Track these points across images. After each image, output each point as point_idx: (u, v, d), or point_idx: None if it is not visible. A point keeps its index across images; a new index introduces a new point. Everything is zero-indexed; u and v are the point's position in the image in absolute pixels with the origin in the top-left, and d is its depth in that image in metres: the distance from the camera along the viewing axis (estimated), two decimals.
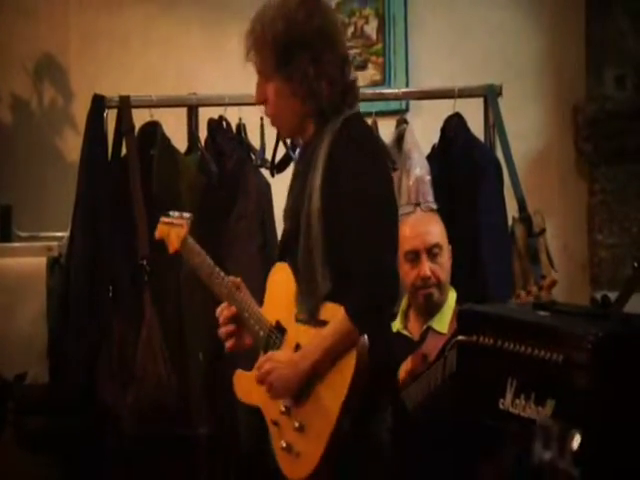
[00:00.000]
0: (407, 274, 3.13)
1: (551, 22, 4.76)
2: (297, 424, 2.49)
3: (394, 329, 3.19)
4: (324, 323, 2.45)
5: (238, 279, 2.77)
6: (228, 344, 2.73)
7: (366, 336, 2.39)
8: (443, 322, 3.12)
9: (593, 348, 1.93)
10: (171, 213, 2.97)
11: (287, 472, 2.53)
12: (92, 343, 3.84)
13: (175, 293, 3.80)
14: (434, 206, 3.23)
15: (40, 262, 4.10)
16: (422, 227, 3.14)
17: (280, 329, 2.60)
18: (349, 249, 2.41)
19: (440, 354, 2.94)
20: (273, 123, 2.68)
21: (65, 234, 4.05)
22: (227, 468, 3.85)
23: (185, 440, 3.77)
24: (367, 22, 4.87)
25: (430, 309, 3.14)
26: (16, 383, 3.99)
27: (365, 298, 2.39)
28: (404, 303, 3.24)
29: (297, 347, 2.52)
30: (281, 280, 2.64)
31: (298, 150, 2.69)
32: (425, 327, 3.13)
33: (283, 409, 2.54)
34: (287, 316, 2.58)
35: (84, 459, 3.82)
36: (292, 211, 2.62)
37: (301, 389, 2.47)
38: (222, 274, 2.77)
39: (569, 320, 2.15)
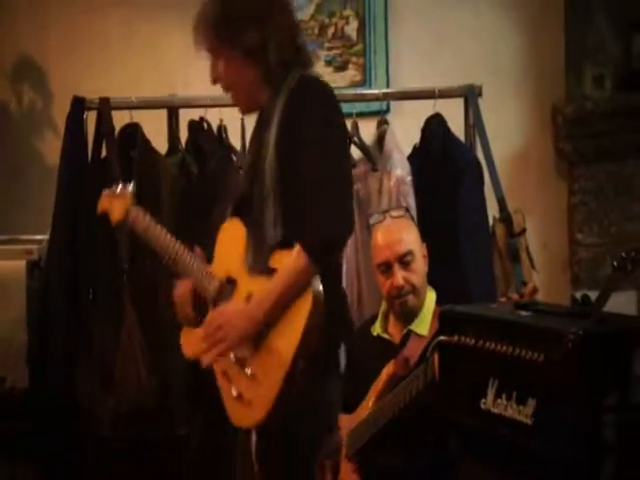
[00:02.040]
0: (382, 285, 3.13)
1: (531, 23, 4.77)
2: (249, 372, 2.47)
3: (374, 333, 3.19)
4: (275, 271, 2.45)
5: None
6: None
7: (319, 282, 2.39)
8: (423, 324, 3.11)
9: (573, 347, 1.94)
10: (114, 186, 2.97)
11: (236, 421, 2.53)
12: (72, 347, 3.83)
13: (155, 294, 3.79)
14: (402, 212, 3.21)
15: (19, 265, 4.08)
16: (392, 236, 3.12)
17: (230, 281, 2.60)
18: (303, 189, 2.42)
19: (422, 357, 2.94)
20: (232, 99, 2.70)
21: (45, 237, 4.03)
22: (206, 469, 3.84)
23: (166, 442, 3.76)
24: (347, 23, 4.87)
25: (408, 315, 3.14)
26: None
27: (320, 232, 2.39)
28: (384, 306, 3.24)
29: (249, 297, 2.50)
30: (231, 235, 2.65)
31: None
32: (406, 330, 3.12)
33: (234, 359, 2.52)
34: (238, 269, 2.57)
35: (64, 463, 3.81)
36: (247, 173, 2.65)
37: (255, 337, 2.46)
38: (169, 236, 2.77)
39: (550, 319, 2.16)
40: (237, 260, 2.58)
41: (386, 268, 3.11)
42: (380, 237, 3.13)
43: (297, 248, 2.39)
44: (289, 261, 2.41)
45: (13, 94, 5.07)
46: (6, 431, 3.91)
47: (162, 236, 2.78)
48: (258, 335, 2.45)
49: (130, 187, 2.92)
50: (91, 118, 4.02)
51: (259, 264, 2.52)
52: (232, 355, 2.53)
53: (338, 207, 2.41)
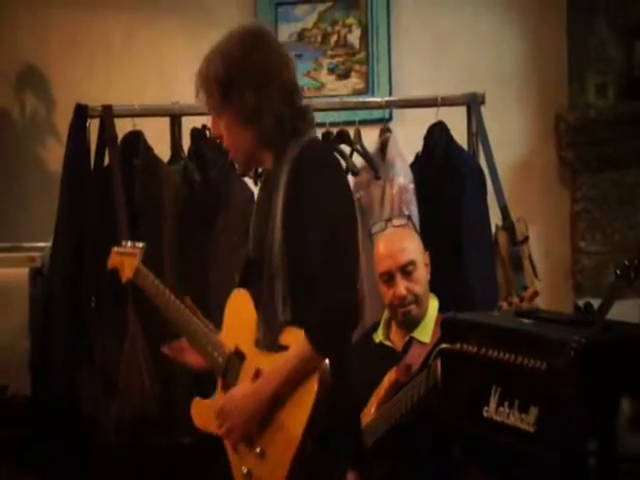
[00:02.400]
0: (385, 294, 3.13)
1: (533, 31, 4.77)
2: (258, 450, 2.48)
3: (376, 340, 3.19)
4: (285, 348, 2.45)
5: (188, 300, 2.81)
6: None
7: (327, 361, 2.38)
8: (426, 332, 3.11)
9: (576, 355, 1.93)
10: (123, 243, 3.04)
11: None
12: (75, 354, 3.82)
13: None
14: (403, 221, 3.21)
15: (22, 273, 4.08)
16: (394, 245, 3.13)
17: (239, 355, 2.60)
18: (310, 271, 2.40)
19: (424, 364, 2.94)
20: (232, 157, 2.73)
21: (47, 244, 4.03)
22: (211, 478, 3.83)
23: (169, 450, 3.76)
24: (350, 31, 4.87)
25: (410, 323, 3.14)
26: None
27: (325, 321, 2.38)
28: (386, 314, 3.24)
29: (257, 373, 2.50)
30: (240, 306, 2.63)
31: (259, 181, 2.71)
32: (408, 338, 3.12)
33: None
34: (246, 342, 2.57)
35: (67, 471, 3.80)
36: (255, 240, 2.63)
37: (264, 416, 2.47)
38: (177, 302, 2.80)
39: (552, 327, 2.16)
40: (246, 334, 2.58)
41: (388, 278, 3.11)
42: (382, 247, 3.13)
43: (302, 336, 2.38)
44: (296, 347, 2.40)
45: (16, 101, 5.08)
46: (8, 439, 3.90)
47: (170, 301, 2.82)
48: (266, 413, 2.46)
49: (140, 246, 2.97)
50: (94, 126, 4.02)
51: (268, 339, 2.51)
52: None
53: (340, 296, 2.37)
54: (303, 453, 2.39)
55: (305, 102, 2.64)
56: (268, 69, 2.56)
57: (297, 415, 2.39)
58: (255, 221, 2.66)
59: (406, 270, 3.09)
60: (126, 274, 2.95)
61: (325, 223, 2.42)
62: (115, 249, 3.04)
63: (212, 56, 2.63)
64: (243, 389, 2.51)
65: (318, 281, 2.37)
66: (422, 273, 3.14)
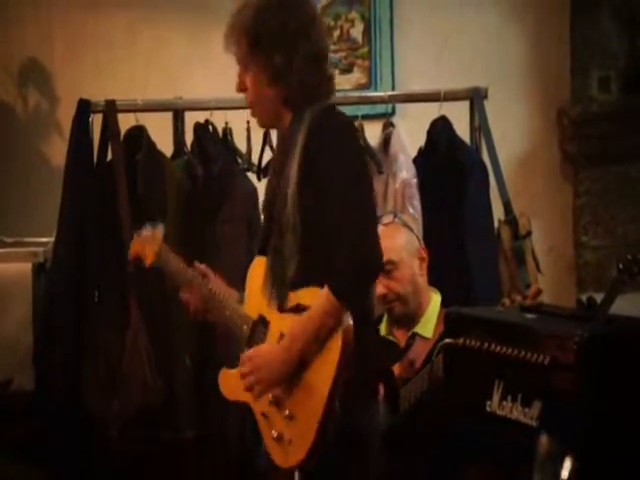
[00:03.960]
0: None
1: (536, 24, 4.77)
2: (287, 412, 2.47)
3: (380, 334, 3.19)
4: (307, 308, 2.44)
5: (203, 266, 2.79)
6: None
7: (350, 318, 2.38)
8: (428, 327, 3.11)
9: (579, 349, 1.94)
10: (143, 229, 2.99)
11: (279, 461, 2.52)
12: (78, 349, 3.83)
13: (161, 297, 3.79)
14: (390, 218, 3.20)
15: (25, 268, 4.09)
16: None
17: (263, 322, 2.60)
18: (329, 229, 2.41)
19: (427, 359, 2.94)
20: (252, 113, 2.70)
21: (51, 240, 4.03)
22: (215, 472, 3.84)
23: (172, 444, 3.76)
24: (353, 25, 4.87)
25: (402, 320, 3.14)
26: (1, 390, 3.98)
27: (348, 271, 2.37)
28: None
29: (281, 336, 2.50)
30: (260, 273, 2.63)
31: (275, 142, 2.70)
32: (410, 333, 3.12)
33: (272, 399, 2.52)
34: (269, 307, 2.57)
35: (71, 465, 3.81)
36: (270, 203, 2.63)
37: (290, 377, 2.47)
38: (199, 278, 2.78)
39: (555, 322, 2.16)
40: (267, 299, 2.58)
41: None
42: None
43: (325, 290, 2.37)
44: (318, 303, 2.40)
45: (19, 97, 5.08)
46: (12, 433, 3.91)
47: (194, 278, 2.79)
48: (293, 375, 2.45)
49: (160, 228, 2.94)
50: (97, 121, 4.02)
51: (285, 299, 2.52)
52: (269, 396, 2.53)
53: (364, 247, 2.38)
54: (331, 412, 2.38)
55: (330, 69, 2.65)
56: (300, 31, 2.56)
57: (323, 375, 2.39)
58: (270, 180, 2.66)
59: (385, 269, 3.09)
60: (149, 261, 2.92)
61: (343, 178, 2.42)
62: (135, 236, 3.00)
63: (246, 7, 2.62)
64: (270, 347, 2.51)
65: (339, 234, 2.37)
66: (406, 271, 3.12)
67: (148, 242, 2.94)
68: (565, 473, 1.76)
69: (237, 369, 2.59)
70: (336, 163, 2.44)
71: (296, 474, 2.56)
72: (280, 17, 2.56)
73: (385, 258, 3.05)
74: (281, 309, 2.53)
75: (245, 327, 2.64)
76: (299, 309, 2.47)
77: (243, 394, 2.59)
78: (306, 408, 2.43)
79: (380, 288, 3.07)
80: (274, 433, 2.51)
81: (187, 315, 2.84)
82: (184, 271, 2.82)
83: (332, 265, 2.38)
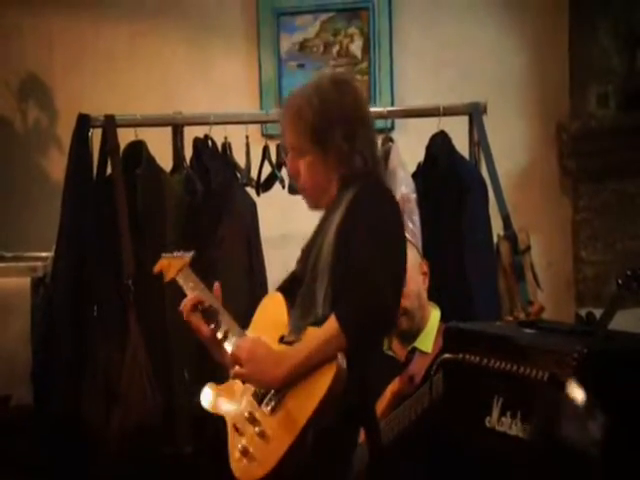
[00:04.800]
0: None
1: (535, 40, 4.78)
2: (258, 429, 2.48)
3: None
4: None
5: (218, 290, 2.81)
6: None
7: (344, 358, 2.37)
8: (427, 342, 3.11)
9: (578, 365, 1.93)
10: (175, 252, 3.04)
11: (237, 473, 2.52)
12: (77, 364, 3.82)
13: (160, 312, 3.79)
14: None
15: (24, 282, 4.09)
16: None
17: None
18: (352, 274, 2.41)
19: (427, 374, 2.93)
20: (302, 193, 2.74)
21: (50, 254, 4.03)
22: None
23: (171, 459, 3.76)
24: (352, 41, 4.88)
25: (404, 335, 3.14)
26: (0, 405, 3.97)
27: (356, 307, 2.37)
28: None
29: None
30: (270, 307, 2.66)
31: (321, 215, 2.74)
32: (410, 348, 3.12)
33: (247, 415, 2.53)
34: (270, 339, 2.57)
35: None
36: (304, 255, 2.65)
37: (272, 393, 2.47)
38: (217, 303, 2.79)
39: (554, 337, 2.16)
40: (272, 332, 2.59)
41: None
42: None
43: (332, 316, 2.39)
44: (325, 325, 2.41)
45: (18, 111, 5.09)
46: (11, 448, 3.90)
47: (214, 302, 2.80)
48: (276, 393, 2.46)
49: (189, 255, 2.98)
50: (96, 135, 4.02)
51: (295, 334, 2.52)
52: (246, 412, 2.54)
53: (380, 287, 2.38)
54: (301, 444, 2.38)
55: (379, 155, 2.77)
56: (359, 113, 2.66)
57: (304, 404, 2.38)
58: (309, 240, 2.68)
59: None
60: (170, 275, 2.96)
61: (374, 230, 2.46)
62: (163, 255, 3.05)
63: (307, 94, 2.66)
64: (270, 348, 2.51)
65: (359, 278, 2.39)
66: (412, 286, 3.13)
67: (175, 260, 2.98)
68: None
69: (223, 384, 2.64)
70: (370, 219, 2.49)
71: None
72: (344, 102, 2.63)
73: None
74: (283, 341, 2.54)
75: None
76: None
77: (222, 407, 2.64)
78: (279, 432, 2.43)
79: None
80: (240, 446, 2.52)
81: (195, 334, 2.83)
82: (205, 293, 2.83)
83: (346, 304, 2.39)
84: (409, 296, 3.11)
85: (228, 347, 2.67)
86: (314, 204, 2.72)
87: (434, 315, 3.18)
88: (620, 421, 1.95)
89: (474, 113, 3.97)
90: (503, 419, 2.13)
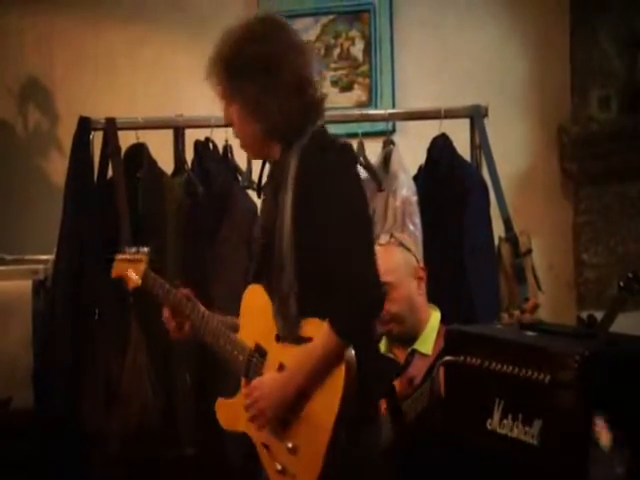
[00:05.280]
0: None
1: (536, 43, 4.78)
2: (290, 445, 2.46)
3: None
4: (307, 339, 2.44)
5: (187, 291, 2.80)
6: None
7: (352, 350, 2.36)
8: (427, 344, 3.11)
9: (579, 367, 1.93)
10: (126, 249, 2.98)
11: None
12: (77, 366, 3.82)
13: (161, 315, 3.78)
14: (386, 238, 3.19)
15: (25, 285, 4.08)
16: None
17: (260, 351, 2.58)
18: (327, 263, 2.37)
19: (426, 376, 2.93)
20: (241, 146, 2.70)
21: (51, 257, 4.03)
22: None
23: (172, 462, 3.75)
24: (353, 44, 4.88)
25: (401, 339, 3.13)
26: (0, 408, 3.97)
27: (350, 310, 2.35)
28: None
29: (280, 367, 2.49)
30: (256, 302, 2.62)
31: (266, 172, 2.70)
32: (410, 350, 3.12)
33: (272, 431, 2.51)
34: (266, 337, 2.56)
35: None
36: (264, 232, 2.61)
37: (291, 408, 2.45)
38: (190, 303, 2.77)
39: (555, 340, 2.15)
40: (265, 329, 2.56)
41: None
42: None
43: (327, 327, 2.36)
44: (319, 338, 2.38)
45: (19, 114, 5.09)
46: (11, 452, 3.90)
47: (182, 304, 2.78)
48: (294, 407, 2.44)
49: (145, 250, 2.92)
50: (97, 138, 4.02)
51: (287, 331, 2.50)
52: (270, 428, 2.52)
53: (365, 279, 2.35)
54: (336, 444, 2.37)
55: (319, 93, 2.57)
56: (273, 61, 2.51)
57: (327, 407, 2.37)
58: (263, 213, 2.65)
59: None
60: (133, 281, 2.91)
61: (338, 216, 2.39)
62: (118, 257, 2.98)
63: (223, 39, 2.59)
64: (271, 377, 2.50)
65: (339, 273, 2.34)
66: (402, 293, 3.11)
67: (132, 264, 2.92)
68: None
69: (234, 398, 2.61)
70: (330, 200, 2.41)
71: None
72: (256, 47, 2.52)
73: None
74: (280, 339, 2.52)
75: (241, 357, 2.62)
76: (300, 340, 2.46)
77: (241, 424, 2.59)
78: (310, 441, 2.42)
79: None
80: (278, 466, 2.50)
81: (171, 334, 2.83)
82: (173, 296, 2.81)
83: (333, 302, 2.36)
84: (398, 301, 3.10)
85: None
86: (252, 156, 2.72)
87: (434, 317, 3.17)
88: (620, 423, 1.95)
89: (475, 116, 3.97)
90: (504, 421, 2.12)
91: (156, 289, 2.85)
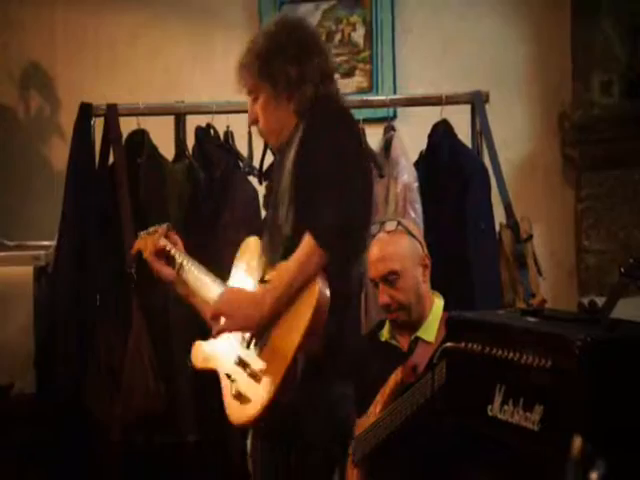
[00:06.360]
0: (377, 298, 3.15)
1: (537, 28, 4.77)
2: (248, 371, 2.51)
3: (382, 338, 3.19)
4: None
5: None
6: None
7: (324, 281, 2.40)
8: (430, 331, 3.11)
9: (581, 353, 1.93)
10: (150, 229, 3.02)
11: (233, 418, 2.55)
12: (79, 352, 3.83)
13: (163, 300, 3.79)
14: (394, 225, 3.19)
15: (27, 271, 4.09)
16: (379, 254, 3.11)
17: None
18: (316, 186, 2.44)
19: (429, 363, 2.93)
20: (263, 136, 2.77)
21: (52, 243, 4.04)
22: (216, 476, 3.84)
23: (174, 448, 3.76)
24: (354, 29, 4.87)
25: (406, 327, 3.14)
26: (2, 394, 3.97)
27: (327, 216, 2.39)
28: None
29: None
30: (247, 252, 2.73)
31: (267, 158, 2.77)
32: (413, 337, 3.12)
33: (236, 360, 2.57)
34: (253, 282, 2.63)
35: (72, 470, 3.81)
36: (270, 196, 2.70)
37: (258, 333, 2.50)
38: (196, 269, 2.86)
39: (557, 326, 2.15)
40: (253, 274, 2.63)
41: (375, 284, 3.12)
42: (371, 253, 3.12)
43: (307, 236, 2.41)
44: (300, 249, 2.42)
45: (21, 100, 5.09)
46: (14, 437, 3.91)
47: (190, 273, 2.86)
48: (261, 333, 2.49)
49: (164, 226, 2.98)
50: (98, 124, 4.03)
51: (271, 268, 2.55)
52: (235, 357, 2.58)
53: (348, 196, 2.42)
54: (293, 372, 2.40)
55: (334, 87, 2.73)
56: (307, 45, 2.66)
57: (290, 339, 2.41)
58: (272, 182, 2.72)
59: (388, 279, 3.09)
60: (147, 252, 2.95)
61: (333, 148, 2.47)
62: (140, 234, 3.04)
63: (252, 38, 2.71)
64: (246, 292, 2.56)
65: (324, 195, 2.41)
66: (409, 281, 3.11)
67: (150, 236, 2.98)
68: (595, 476, 1.76)
69: (210, 340, 2.65)
70: (328, 139, 2.50)
71: (250, 432, 2.62)
72: (286, 33, 2.66)
73: (388, 268, 3.07)
74: (265, 281, 2.56)
75: None
76: None
77: (212, 362, 2.67)
78: (269, 369, 2.46)
79: (384, 298, 3.07)
80: (234, 391, 2.54)
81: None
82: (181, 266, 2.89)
83: (314, 214, 2.41)
84: (405, 290, 3.10)
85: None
86: (275, 141, 2.74)
87: (437, 305, 3.17)
88: (623, 409, 1.95)
89: (476, 102, 3.97)
90: (505, 407, 2.13)
91: (167, 247, 2.92)
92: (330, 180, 2.42)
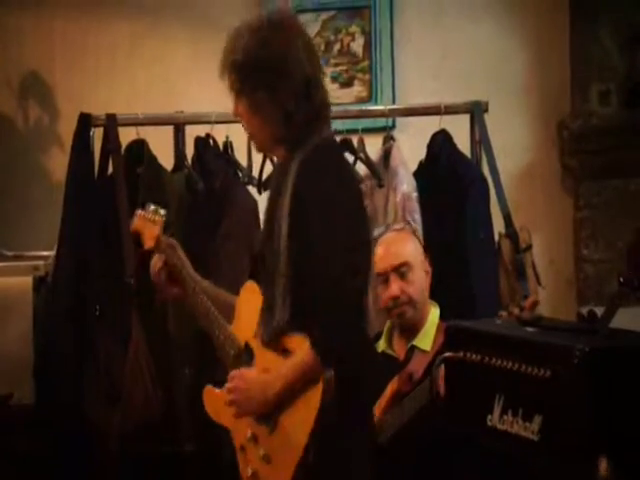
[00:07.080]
0: (381, 296, 3.14)
1: (536, 38, 4.78)
2: (262, 453, 2.50)
3: (379, 349, 3.19)
4: (290, 353, 2.46)
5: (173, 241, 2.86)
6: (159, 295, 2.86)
7: (332, 370, 2.37)
8: (427, 340, 3.11)
9: (580, 363, 1.93)
10: (147, 206, 2.96)
11: None
12: (79, 362, 3.82)
13: (162, 310, 3.79)
14: (402, 225, 3.21)
15: (26, 281, 4.09)
16: (391, 248, 3.14)
17: (249, 351, 2.61)
18: (313, 276, 2.39)
19: (426, 372, 2.93)
20: (249, 138, 2.75)
21: (51, 253, 4.04)
22: None
23: (172, 457, 3.76)
24: (353, 39, 4.88)
25: (408, 328, 3.14)
26: (1, 403, 3.97)
27: (328, 330, 2.37)
28: (388, 323, 3.24)
29: (265, 371, 2.52)
30: (251, 299, 2.64)
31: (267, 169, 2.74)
32: (409, 346, 3.12)
33: (249, 435, 2.55)
34: (256, 339, 2.59)
35: (72, 479, 3.80)
36: (263, 236, 2.64)
37: (266, 416, 2.48)
38: (198, 279, 2.83)
39: (556, 335, 2.15)
40: (255, 329, 2.60)
41: (384, 279, 3.12)
42: (380, 249, 3.14)
43: (308, 345, 2.38)
44: (300, 353, 2.40)
45: (20, 110, 5.09)
46: (13, 447, 3.90)
47: (193, 282, 2.83)
48: (270, 415, 2.47)
49: (162, 213, 2.93)
50: (97, 134, 4.03)
51: (268, 337, 2.53)
52: (249, 431, 2.55)
53: (345, 298, 2.37)
54: (305, 463, 2.39)
55: (325, 93, 2.59)
56: (283, 62, 2.51)
57: (302, 424, 2.39)
58: (265, 216, 2.65)
59: (400, 271, 3.10)
60: (147, 243, 2.90)
61: (327, 219, 2.40)
62: (139, 213, 2.96)
63: (235, 41, 2.59)
64: (256, 374, 2.53)
65: (319, 293, 2.37)
66: (418, 277, 3.13)
67: (149, 223, 2.92)
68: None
69: (221, 390, 2.62)
70: (321, 206, 2.41)
71: None
72: (265, 52, 2.52)
73: (400, 260, 3.09)
74: (266, 344, 2.54)
75: (232, 351, 2.66)
76: (284, 351, 2.48)
77: (225, 419, 2.64)
78: (283, 454, 2.45)
79: (393, 288, 3.08)
80: (249, 470, 2.55)
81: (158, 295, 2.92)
82: (183, 267, 2.85)
83: (316, 322, 2.37)
84: (415, 284, 3.11)
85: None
86: (259, 149, 2.72)
87: (433, 313, 3.18)
88: (621, 419, 1.95)
89: (475, 111, 3.97)
90: (504, 417, 2.12)
91: (168, 255, 2.86)
92: (333, 281, 2.36)
